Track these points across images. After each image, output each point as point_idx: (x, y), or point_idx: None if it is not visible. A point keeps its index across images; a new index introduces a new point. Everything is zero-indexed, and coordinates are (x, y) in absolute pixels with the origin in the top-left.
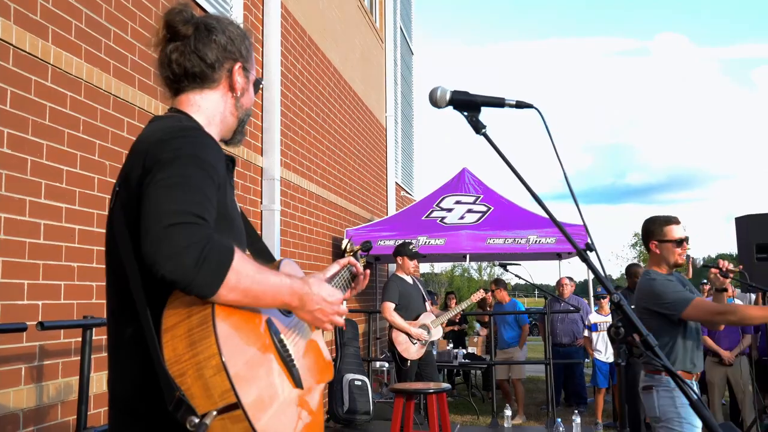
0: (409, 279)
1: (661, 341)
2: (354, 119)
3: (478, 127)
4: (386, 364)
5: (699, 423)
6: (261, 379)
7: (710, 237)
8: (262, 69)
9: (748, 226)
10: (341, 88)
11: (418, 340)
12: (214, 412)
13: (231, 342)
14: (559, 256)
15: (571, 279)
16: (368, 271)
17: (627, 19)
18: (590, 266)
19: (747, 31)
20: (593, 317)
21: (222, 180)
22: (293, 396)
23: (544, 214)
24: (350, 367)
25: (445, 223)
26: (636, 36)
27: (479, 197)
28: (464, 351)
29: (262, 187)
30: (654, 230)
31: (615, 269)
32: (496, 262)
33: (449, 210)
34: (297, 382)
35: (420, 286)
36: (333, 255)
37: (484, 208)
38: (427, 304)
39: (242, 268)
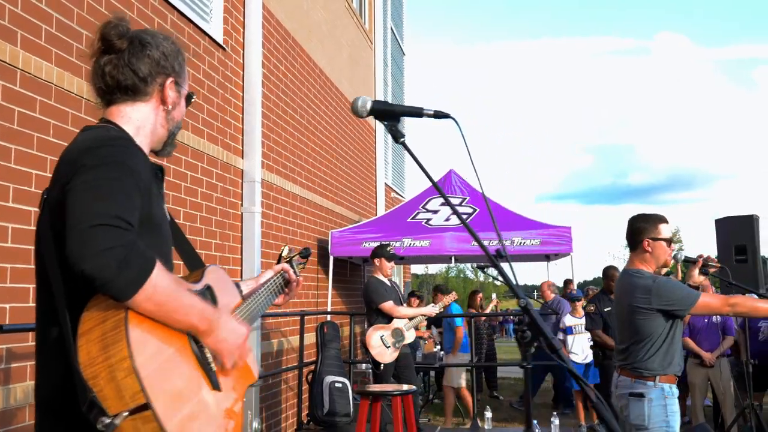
0: (386, 281)
1: (653, 343)
2: (341, 121)
3: (396, 136)
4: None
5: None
6: (174, 380)
7: (709, 237)
8: (243, 72)
9: (727, 228)
10: (327, 90)
11: (392, 343)
12: (125, 413)
13: (144, 345)
14: (547, 258)
15: (553, 284)
16: (301, 279)
17: (626, 19)
18: (500, 272)
19: (746, 31)
20: (568, 320)
21: (147, 187)
22: (210, 398)
23: (531, 216)
24: (331, 369)
25: (431, 225)
26: (635, 36)
27: (465, 199)
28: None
29: (242, 190)
30: (648, 228)
31: None
32: (473, 265)
33: (435, 212)
34: (214, 385)
35: (396, 289)
36: (317, 257)
37: (470, 210)
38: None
39: (160, 280)
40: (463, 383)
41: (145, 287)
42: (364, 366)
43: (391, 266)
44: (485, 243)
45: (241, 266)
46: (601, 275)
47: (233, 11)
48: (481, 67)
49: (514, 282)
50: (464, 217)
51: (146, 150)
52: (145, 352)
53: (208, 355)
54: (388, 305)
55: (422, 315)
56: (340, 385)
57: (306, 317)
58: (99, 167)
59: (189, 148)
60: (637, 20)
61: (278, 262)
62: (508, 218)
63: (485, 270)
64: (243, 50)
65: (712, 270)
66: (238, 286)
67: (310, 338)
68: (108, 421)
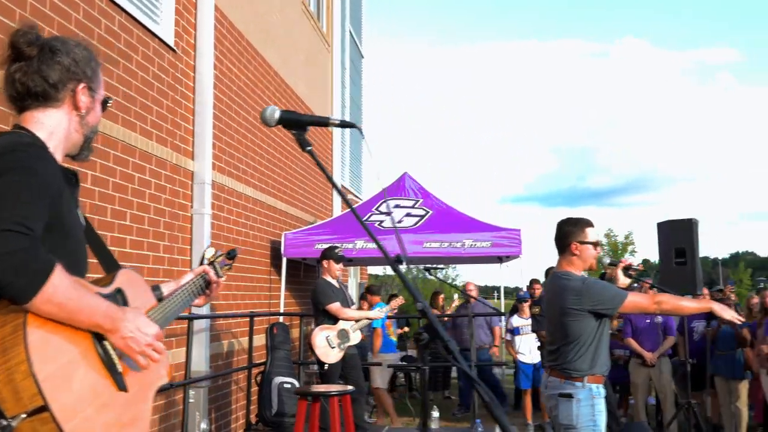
0: (335, 283)
1: (582, 343)
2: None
3: (303, 145)
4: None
5: (604, 427)
6: (75, 382)
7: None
8: (194, 73)
9: (668, 231)
10: (282, 92)
11: (338, 344)
12: (23, 415)
13: (43, 348)
14: (500, 260)
15: (475, 286)
16: (223, 279)
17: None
18: (400, 276)
19: (709, 36)
20: (515, 321)
21: (57, 192)
22: (115, 399)
23: (483, 219)
24: (280, 370)
25: (383, 227)
26: (598, 40)
27: (419, 201)
28: (402, 353)
29: (192, 191)
30: (575, 232)
31: None
32: (419, 267)
33: (388, 213)
34: (120, 386)
35: (344, 291)
36: (271, 258)
37: (422, 212)
38: (353, 308)
39: (60, 282)
40: (385, 384)
41: (44, 290)
42: (315, 367)
43: (339, 268)
44: (436, 245)
45: (191, 268)
46: None
47: (184, 13)
48: (457, 68)
49: (412, 285)
50: (416, 219)
51: (61, 155)
52: (44, 354)
53: (114, 356)
54: (334, 307)
55: (367, 318)
56: (289, 385)
57: (258, 318)
58: (6, 173)
59: (137, 150)
60: (599, 25)
61: (201, 263)
62: (460, 221)
63: (430, 272)
64: (194, 52)
65: (633, 273)
66: (157, 288)
67: (261, 339)
68: (5, 423)
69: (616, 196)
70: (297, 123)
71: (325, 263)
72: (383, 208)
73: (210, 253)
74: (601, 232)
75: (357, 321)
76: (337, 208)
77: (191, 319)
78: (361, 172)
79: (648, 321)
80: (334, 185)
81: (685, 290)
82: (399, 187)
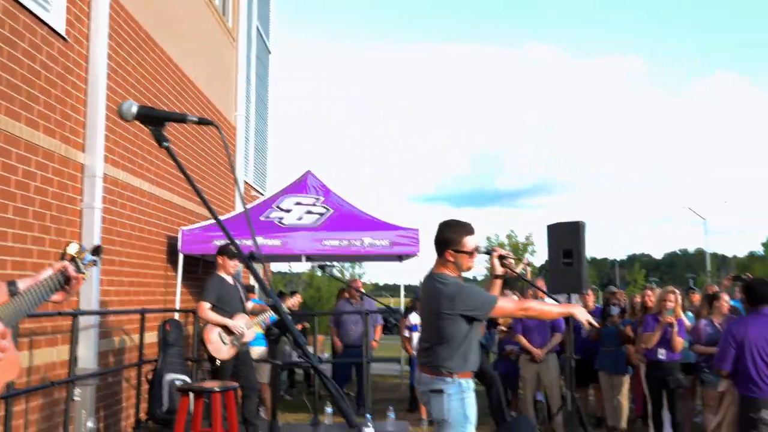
0: (229, 279)
1: (454, 344)
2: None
3: (160, 140)
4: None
5: (474, 421)
6: None
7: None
8: (87, 64)
9: (556, 233)
10: (183, 86)
11: (230, 340)
12: None
13: None
14: (399, 258)
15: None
16: (81, 276)
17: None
18: (252, 272)
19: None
20: (413, 318)
21: None
22: None
23: (382, 218)
24: (172, 367)
25: (283, 224)
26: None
27: (320, 199)
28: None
29: (82, 185)
30: (454, 239)
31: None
32: (313, 265)
33: (288, 211)
34: None
35: (240, 288)
36: (167, 254)
37: (323, 210)
38: (248, 304)
39: None
40: (265, 379)
41: None
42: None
43: (234, 264)
44: (335, 243)
45: None
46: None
47: (77, 1)
48: (391, 71)
49: (264, 281)
50: (316, 217)
51: None
52: None
53: None
54: (202, 305)
55: (225, 325)
56: (180, 382)
57: (153, 315)
58: None
59: (21, 141)
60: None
61: (62, 258)
62: (360, 219)
63: (325, 270)
64: (87, 42)
65: (508, 262)
66: (13, 283)
67: (155, 336)
68: None
69: (521, 198)
70: (154, 119)
71: (219, 259)
72: (283, 206)
73: (73, 248)
74: (503, 233)
75: (256, 315)
76: (240, 204)
77: (76, 315)
78: (266, 170)
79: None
80: (192, 184)
81: (571, 289)
82: (301, 185)
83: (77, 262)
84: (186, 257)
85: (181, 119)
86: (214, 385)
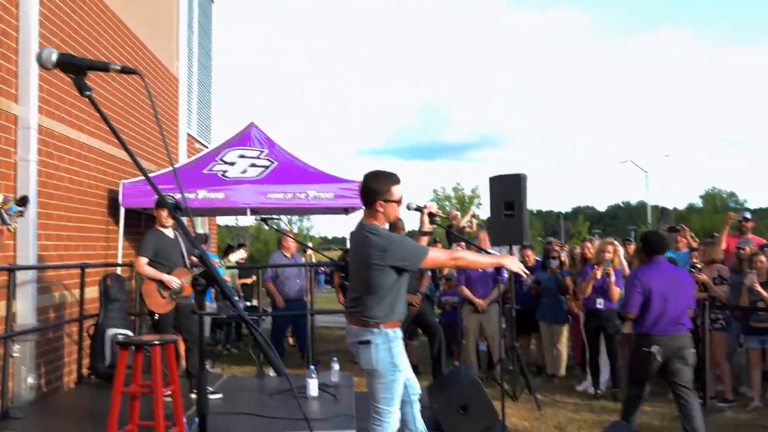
0: (169, 233)
1: (382, 294)
2: (138, 68)
3: (82, 89)
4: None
5: (403, 369)
6: None
7: None
8: (18, 10)
9: (498, 185)
10: (122, 35)
11: (168, 293)
12: None
13: None
14: (345, 211)
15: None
16: (10, 227)
17: None
18: (179, 222)
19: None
20: None
21: None
22: None
23: (329, 171)
24: (114, 321)
25: (227, 177)
26: None
27: (264, 152)
28: (247, 303)
29: (16, 137)
30: (381, 190)
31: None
32: (256, 218)
33: (232, 164)
34: None
35: (180, 241)
36: (108, 208)
37: (267, 163)
38: (187, 260)
39: None
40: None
41: None
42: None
43: (165, 216)
44: (280, 196)
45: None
46: (408, 228)
47: None
48: (340, 24)
49: (189, 233)
50: (261, 170)
51: None
52: None
53: None
54: (139, 259)
55: (161, 280)
56: (123, 337)
57: (92, 270)
58: None
59: None
60: None
61: None
62: (304, 172)
63: (267, 222)
64: None
65: (436, 218)
66: None
67: (96, 291)
68: None
69: (469, 151)
70: (75, 67)
71: (156, 213)
72: (227, 159)
73: None
74: (449, 185)
75: (195, 267)
76: (183, 158)
77: (12, 270)
78: (211, 122)
79: (481, 270)
80: (118, 137)
81: (513, 241)
82: (245, 138)
83: (1, 213)
84: (128, 211)
85: (103, 68)
86: (153, 338)
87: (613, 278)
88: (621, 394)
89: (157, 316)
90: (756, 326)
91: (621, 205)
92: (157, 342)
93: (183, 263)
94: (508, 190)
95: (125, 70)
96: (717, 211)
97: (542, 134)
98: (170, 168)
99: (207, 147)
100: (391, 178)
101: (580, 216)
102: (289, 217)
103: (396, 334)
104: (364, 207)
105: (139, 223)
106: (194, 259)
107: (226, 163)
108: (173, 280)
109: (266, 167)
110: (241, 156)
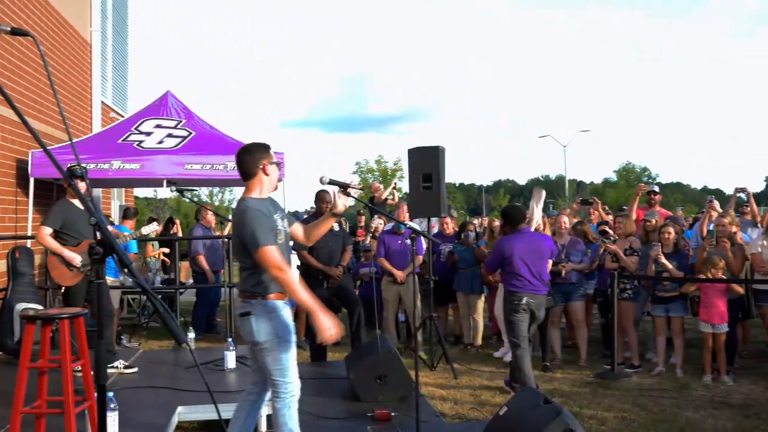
0: (76, 204)
1: (259, 267)
2: (48, 33)
3: None
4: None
5: (293, 338)
6: None
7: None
8: None
9: (417, 157)
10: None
11: (73, 265)
12: None
13: None
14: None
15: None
16: None
17: None
18: (75, 191)
19: None
20: None
21: None
22: None
23: (247, 141)
24: (23, 296)
25: (142, 147)
26: None
27: (181, 122)
28: (163, 276)
29: None
30: (265, 154)
31: None
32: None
33: (148, 134)
34: None
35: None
36: (16, 178)
37: (185, 133)
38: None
39: None
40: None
41: None
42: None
43: (82, 188)
44: (198, 167)
45: None
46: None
47: None
48: None
49: (91, 205)
50: (178, 140)
51: None
52: None
53: None
54: (41, 230)
55: (62, 254)
56: (33, 312)
57: (1, 242)
58: None
59: None
60: None
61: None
62: (223, 143)
63: (184, 194)
64: None
65: (352, 191)
66: None
67: (3, 265)
68: None
69: (394, 123)
70: None
71: (65, 183)
72: (143, 129)
73: None
74: (372, 158)
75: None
76: (97, 127)
77: None
78: (127, 90)
79: (399, 242)
80: (8, 100)
81: (431, 213)
82: (161, 107)
83: None
84: (39, 182)
85: None
86: (61, 311)
87: None
88: (549, 362)
89: (64, 289)
90: (661, 295)
91: (540, 178)
92: (65, 315)
93: (91, 236)
94: (426, 162)
95: (15, 32)
96: (630, 185)
97: (466, 108)
98: (82, 138)
99: (123, 116)
100: (266, 144)
101: (501, 189)
102: (210, 189)
103: (276, 305)
104: (245, 179)
105: (50, 194)
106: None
107: (142, 133)
108: (74, 257)
109: (184, 138)
110: (158, 126)
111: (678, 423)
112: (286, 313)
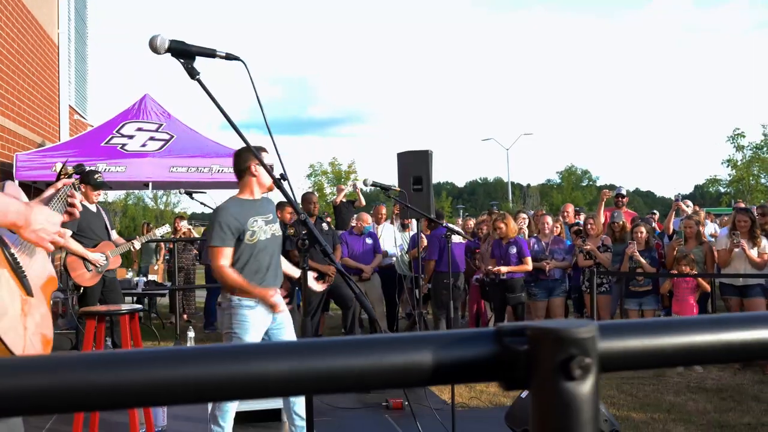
0: (92, 207)
1: (236, 263)
2: (20, 32)
3: (192, 74)
4: (60, 294)
5: (247, 336)
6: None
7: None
8: None
9: (406, 160)
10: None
11: (94, 266)
12: None
13: None
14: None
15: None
16: (75, 193)
17: None
18: (284, 193)
19: None
20: None
21: None
22: (25, 302)
23: (226, 144)
24: None
25: (126, 150)
26: None
27: (162, 125)
28: (144, 278)
29: None
30: (251, 156)
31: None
32: (180, 191)
33: (130, 137)
34: (28, 291)
35: (104, 215)
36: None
37: (166, 136)
38: (113, 233)
39: None
40: None
41: None
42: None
43: (97, 194)
44: (183, 170)
45: None
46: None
47: None
48: None
49: (294, 200)
50: (161, 143)
51: None
52: None
53: (21, 263)
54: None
55: (84, 257)
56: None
57: None
58: None
59: None
60: None
61: (58, 178)
62: (207, 146)
63: (192, 196)
64: None
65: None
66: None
67: None
68: None
69: (336, 126)
70: (186, 53)
71: (82, 188)
72: (125, 132)
73: (62, 168)
74: (326, 160)
75: (117, 245)
76: (65, 130)
77: None
78: (87, 93)
79: (362, 242)
80: (224, 115)
81: (421, 213)
82: (140, 110)
83: (74, 183)
84: (23, 185)
85: (211, 54)
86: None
87: (513, 250)
88: None
89: (82, 290)
90: (634, 290)
91: (479, 180)
92: (124, 311)
93: (107, 237)
94: (415, 165)
95: (229, 57)
96: (574, 187)
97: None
98: (59, 142)
99: (85, 118)
100: (261, 146)
101: (442, 191)
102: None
103: (243, 302)
104: (238, 179)
105: (28, 196)
106: (114, 234)
107: (124, 136)
108: (98, 258)
109: (166, 141)
110: (139, 129)
111: (663, 406)
112: (249, 312)
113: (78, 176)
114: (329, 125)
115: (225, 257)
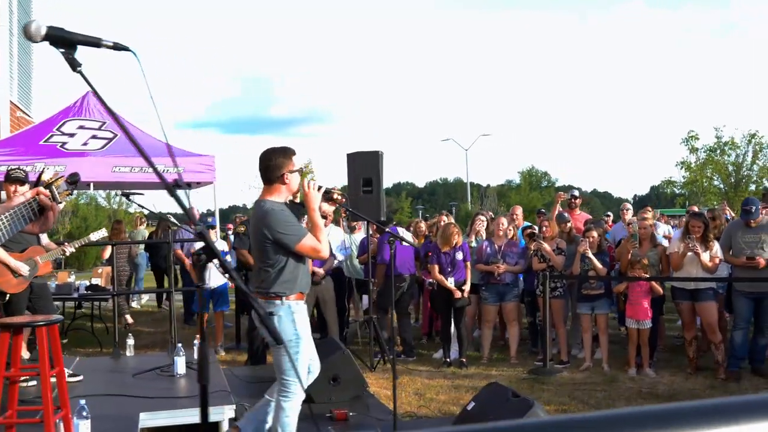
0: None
1: (278, 267)
2: None
3: (74, 65)
4: None
5: (308, 335)
6: None
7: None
8: None
9: (356, 161)
10: None
11: (20, 273)
12: None
13: None
14: (189, 186)
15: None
16: (60, 206)
17: None
18: (177, 200)
19: None
20: (219, 244)
21: None
22: None
23: (173, 143)
24: None
25: (67, 149)
26: None
27: (104, 123)
28: (87, 282)
29: None
30: (285, 162)
31: (249, 199)
32: (117, 193)
33: (71, 135)
34: None
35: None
36: None
37: (110, 135)
38: (43, 237)
39: None
40: None
41: None
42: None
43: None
44: (127, 170)
45: None
46: (241, 203)
47: None
48: None
49: (188, 207)
50: (104, 142)
51: None
52: None
53: None
54: None
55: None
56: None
57: None
58: None
59: None
60: None
61: (36, 184)
62: (150, 146)
63: (130, 198)
64: None
65: (336, 197)
66: None
67: None
68: None
69: (295, 126)
70: (66, 41)
71: (5, 187)
72: (65, 130)
73: (48, 174)
74: None
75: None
76: (6, 127)
77: None
78: (32, 89)
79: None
80: (109, 111)
81: (371, 216)
82: (82, 107)
83: (52, 189)
84: None
85: (95, 43)
86: (37, 319)
87: (460, 256)
88: (468, 360)
89: (8, 297)
90: (587, 293)
91: (439, 181)
92: (41, 322)
93: (37, 241)
94: (365, 166)
95: (117, 47)
96: (533, 188)
97: (369, 110)
98: (7, 136)
99: (29, 116)
100: (290, 150)
101: (402, 192)
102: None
103: (299, 306)
104: (264, 183)
105: None
106: (44, 239)
107: (64, 134)
108: (21, 266)
109: (109, 140)
110: (81, 127)
111: None
112: (304, 316)
113: (71, 185)
114: (289, 125)
115: (311, 238)
